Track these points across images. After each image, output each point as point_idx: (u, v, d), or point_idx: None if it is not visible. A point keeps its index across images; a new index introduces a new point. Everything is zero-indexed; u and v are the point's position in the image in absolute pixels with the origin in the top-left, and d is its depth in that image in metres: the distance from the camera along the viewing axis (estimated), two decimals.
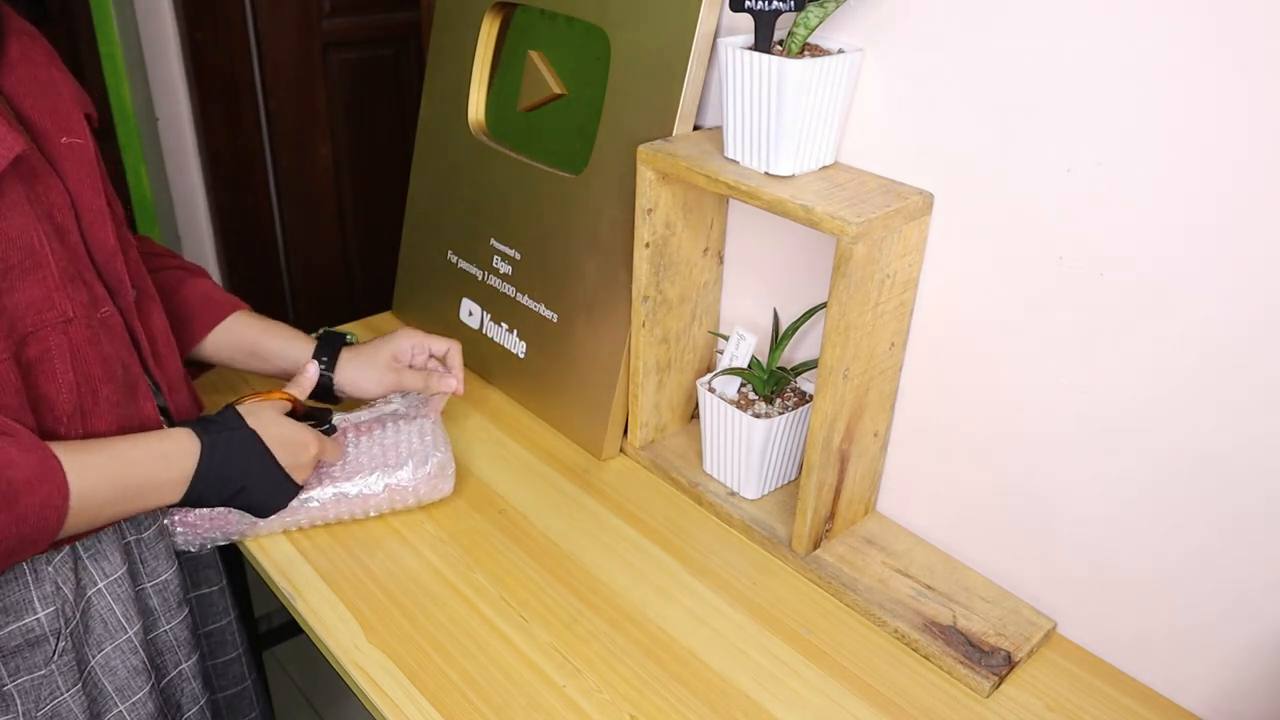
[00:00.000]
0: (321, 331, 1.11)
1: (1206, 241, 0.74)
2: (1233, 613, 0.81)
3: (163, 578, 0.95)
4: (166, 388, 0.92)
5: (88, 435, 0.81)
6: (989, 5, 0.81)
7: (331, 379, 1.06)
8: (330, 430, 1.01)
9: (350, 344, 1.09)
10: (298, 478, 0.94)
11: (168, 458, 0.84)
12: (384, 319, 1.47)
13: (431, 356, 1.12)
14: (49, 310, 0.76)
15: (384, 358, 1.07)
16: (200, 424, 0.88)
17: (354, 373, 1.06)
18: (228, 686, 1.13)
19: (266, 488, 0.91)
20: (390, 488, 1.03)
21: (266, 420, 0.91)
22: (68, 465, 0.75)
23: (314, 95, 2.34)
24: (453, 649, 0.90)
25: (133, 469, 0.81)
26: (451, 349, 1.11)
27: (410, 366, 1.09)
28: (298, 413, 0.98)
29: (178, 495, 0.85)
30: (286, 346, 1.06)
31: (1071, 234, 0.82)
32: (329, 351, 1.06)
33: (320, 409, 1.04)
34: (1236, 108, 0.70)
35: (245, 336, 1.06)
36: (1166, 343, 0.79)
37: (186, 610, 0.98)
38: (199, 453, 0.85)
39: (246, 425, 0.90)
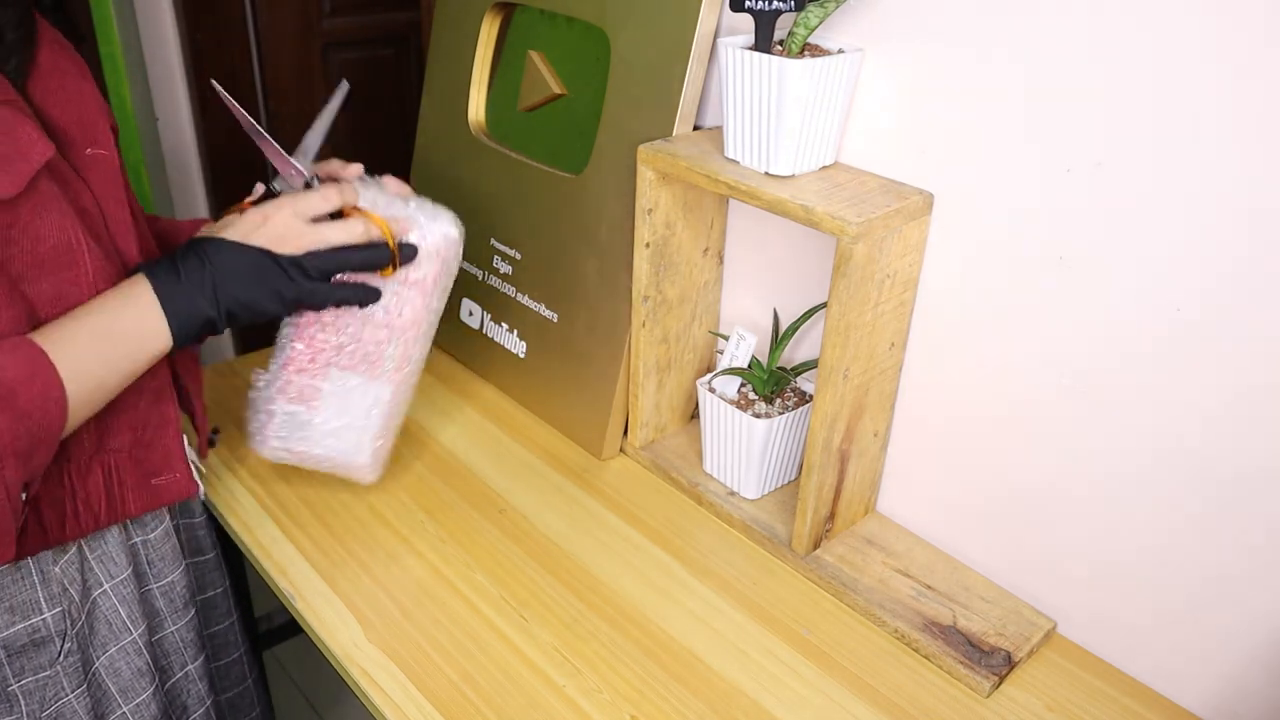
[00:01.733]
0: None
1: (1207, 241, 0.74)
2: (1233, 613, 0.81)
3: (169, 579, 0.95)
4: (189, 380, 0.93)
5: (101, 426, 0.82)
6: (989, 5, 0.81)
7: None
8: (312, 186, 0.87)
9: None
10: (276, 244, 0.82)
11: (125, 295, 0.78)
12: None
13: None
14: (76, 305, 0.76)
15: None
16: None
17: None
18: (230, 687, 1.13)
19: (241, 267, 0.80)
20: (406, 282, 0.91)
21: (215, 225, 0.84)
22: (51, 351, 0.72)
23: (314, 95, 2.34)
24: (453, 649, 0.90)
25: (104, 321, 0.76)
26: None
27: None
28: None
29: (162, 326, 0.78)
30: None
31: (1071, 234, 0.82)
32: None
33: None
34: (1238, 108, 0.70)
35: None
36: (1167, 344, 0.79)
37: (193, 611, 0.98)
38: (147, 273, 0.79)
39: (195, 236, 0.83)
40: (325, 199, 0.85)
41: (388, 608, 0.94)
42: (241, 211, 0.85)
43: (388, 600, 0.95)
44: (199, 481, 0.92)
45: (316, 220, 0.85)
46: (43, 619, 0.81)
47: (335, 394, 0.95)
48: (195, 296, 0.79)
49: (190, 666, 0.98)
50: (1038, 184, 0.82)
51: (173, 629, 0.96)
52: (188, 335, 0.79)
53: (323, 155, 0.95)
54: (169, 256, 0.81)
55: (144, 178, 2.43)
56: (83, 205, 0.78)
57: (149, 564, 0.93)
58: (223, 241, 0.81)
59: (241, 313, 0.81)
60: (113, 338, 0.76)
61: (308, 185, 0.87)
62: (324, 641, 0.91)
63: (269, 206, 0.83)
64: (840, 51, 0.89)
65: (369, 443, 1.00)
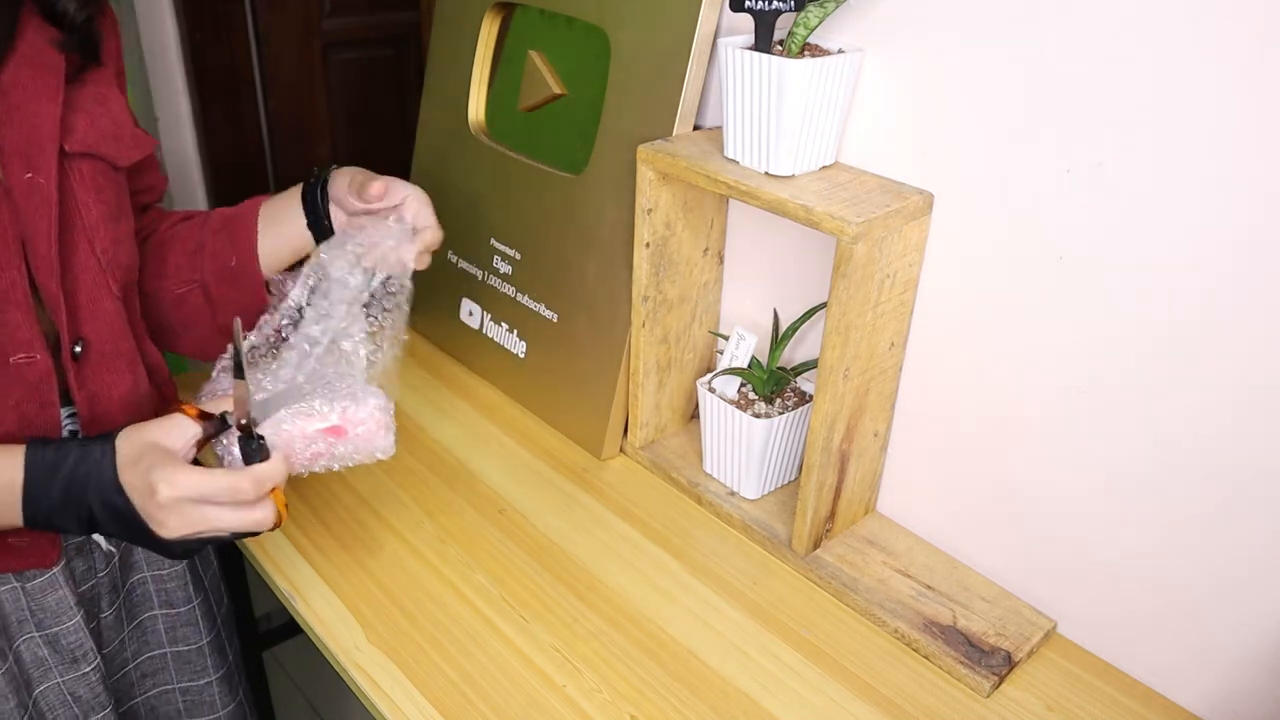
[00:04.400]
0: (312, 180, 0.98)
1: (1207, 242, 0.74)
2: (1233, 613, 0.81)
3: (55, 630, 0.88)
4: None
5: None
6: (989, 5, 0.81)
7: (327, 205, 0.96)
8: (251, 445, 0.75)
9: (327, 178, 0.98)
10: (153, 521, 0.72)
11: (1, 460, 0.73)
12: None
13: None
14: None
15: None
16: (51, 440, 0.76)
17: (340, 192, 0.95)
18: (198, 714, 1.07)
19: (114, 516, 0.74)
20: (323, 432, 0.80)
21: (133, 442, 0.74)
22: None
23: (314, 95, 2.34)
24: (453, 649, 0.90)
25: None
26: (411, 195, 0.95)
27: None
28: (206, 431, 0.76)
29: (16, 512, 0.73)
30: (284, 230, 0.96)
31: (1071, 234, 0.82)
32: (316, 210, 0.96)
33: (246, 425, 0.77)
34: (1238, 107, 0.70)
35: (266, 229, 0.96)
36: (1166, 344, 0.79)
37: (91, 666, 0.90)
38: (28, 457, 0.73)
39: (108, 441, 0.74)
40: (236, 495, 0.73)
41: (388, 608, 0.94)
42: (184, 412, 0.76)
43: (388, 600, 0.95)
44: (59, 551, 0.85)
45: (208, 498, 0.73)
46: None
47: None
48: (61, 510, 0.74)
49: None
50: (1038, 184, 0.82)
51: (59, 680, 0.89)
52: (41, 529, 0.75)
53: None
54: (66, 446, 0.74)
55: None
56: None
57: (30, 612, 0.86)
58: (111, 485, 0.73)
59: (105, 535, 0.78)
60: None
61: (241, 426, 0.76)
62: (324, 642, 0.91)
63: (171, 478, 0.71)
64: (840, 51, 0.89)
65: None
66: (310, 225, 0.96)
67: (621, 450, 1.19)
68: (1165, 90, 0.73)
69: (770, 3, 0.86)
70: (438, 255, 1.37)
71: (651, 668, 0.89)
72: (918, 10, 0.86)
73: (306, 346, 0.87)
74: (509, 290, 1.27)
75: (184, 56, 2.19)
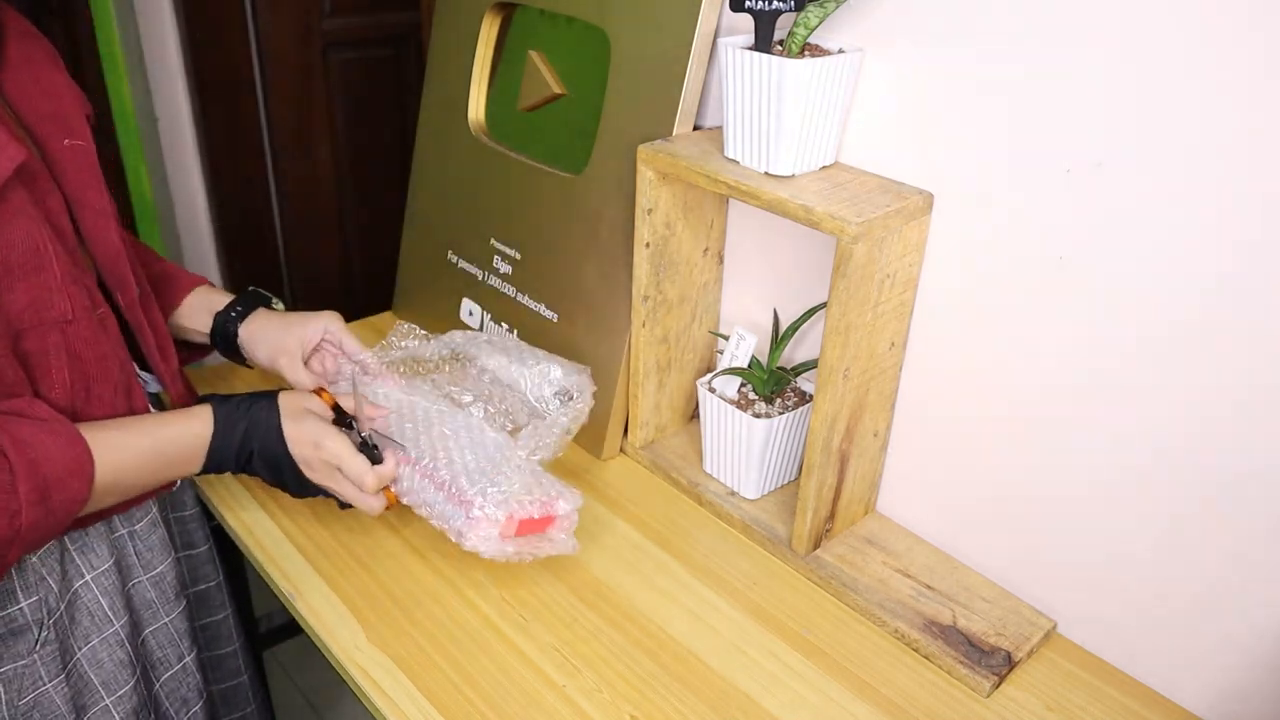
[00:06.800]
0: (251, 289, 1.07)
1: (1207, 241, 0.74)
2: (1233, 613, 0.81)
3: (158, 570, 0.95)
4: (169, 379, 0.93)
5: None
6: (989, 5, 0.81)
7: (237, 328, 1.02)
8: (371, 451, 0.93)
9: (274, 309, 1.06)
10: (305, 465, 0.90)
11: (184, 431, 0.86)
12: (384, 319, 1.47)
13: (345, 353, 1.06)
14: (49, 310, 0.77)
15: (290, 341, 1.02)
16: (225, 398, 0.90)
17: (257, 335, 1.02)
18: (223, 680, 1.13)
19: (271, 462, 0.90)
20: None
21: (293, 407, 0.91)
22: (98, 456, 0.77)
23: (314, 95, 2.34)
24: (453, 649, 0.90)
25: (156, 446, 0.83)
26: (358, 367, 1.05)
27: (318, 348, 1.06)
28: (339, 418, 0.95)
29: (197, 469, 0.88)
30: (208, 300, 1.04)
31: (1071, 234, 0.82)
32: (246, 305, 1.03)
33: (374, 442, 0.94)
34: (1237, 108, 0.70)
35: (193, 305, 1.04)
36: (1166, 344, 0.79)
37: (185, 603, 0.98)
38: (212, 421, 0.88)
39: (272, 399, 0.90)
40: (359, 483, 0.90)
41: (388, 608, 0.94)
42: (322, 398, 0.95)
43: (388, 600, 0.95)
44: None
45: (337, 466, 0.90)
46: (19, 608, 0.81)
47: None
48: (231, 458, 0.88)
49: (188, 659, 0.98)
50: (1038, 184, 0.82)
51: (167, 620, 0.96)
52: (207, 473, 0.89)
53: None
54: (233, 406, 0.88)
55: (144, 178, 2.42)
56: (48, 204, 0.78)
57: (136, 555, 0.93)
58: (275, 435, 0.89)
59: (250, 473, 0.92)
60: (156, 464, 0.84)
61: (364, 439, 0.93)
62: (324, 641, 0.91)
63: (330, 441, 0.89)
64: (840, 51, 0.89)
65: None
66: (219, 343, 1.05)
67: (621, 450, 1.19)
68: (1165, 90, 0.73)
69: (770, 3, 0.86)
70: (438, 255, 1.38)
71: (651, 668, 0.89)
72: (918, 10, 0.86)
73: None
74: (509, 290, 1.27)
75: (184, 56, 2.19)
